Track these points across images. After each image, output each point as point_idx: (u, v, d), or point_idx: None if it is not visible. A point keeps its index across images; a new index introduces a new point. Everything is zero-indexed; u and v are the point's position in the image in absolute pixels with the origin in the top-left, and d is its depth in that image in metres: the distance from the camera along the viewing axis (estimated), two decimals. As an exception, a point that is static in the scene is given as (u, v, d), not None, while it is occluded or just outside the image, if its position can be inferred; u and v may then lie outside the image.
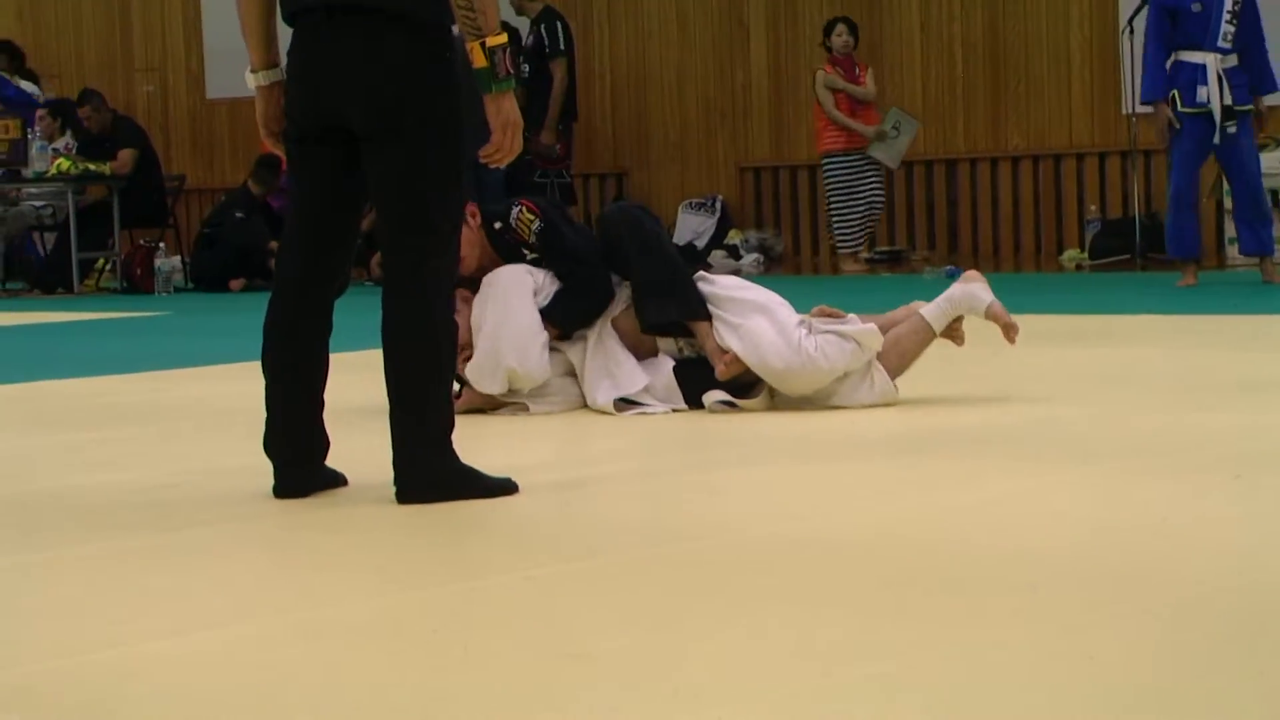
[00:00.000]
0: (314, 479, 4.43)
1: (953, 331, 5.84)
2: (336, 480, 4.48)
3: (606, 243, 5.97)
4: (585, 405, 5.89)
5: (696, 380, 5.78)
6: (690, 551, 3.69)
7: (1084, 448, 4.88)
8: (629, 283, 5.91)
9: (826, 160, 14.01)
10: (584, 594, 3.35)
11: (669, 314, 5.81)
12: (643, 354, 5.88)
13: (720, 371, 5.71)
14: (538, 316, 5.80)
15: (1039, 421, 5.39)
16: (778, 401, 5.78)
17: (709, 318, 5.79)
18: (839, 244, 14.09)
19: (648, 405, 5.75)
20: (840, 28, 14.16)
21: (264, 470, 4.42)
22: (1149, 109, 10.95)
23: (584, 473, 4.76)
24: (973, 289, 5.81)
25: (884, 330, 5.76)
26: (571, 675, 2.75)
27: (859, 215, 13.91)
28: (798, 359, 5.60)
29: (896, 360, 5.77)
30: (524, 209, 6.00)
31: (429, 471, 4.25)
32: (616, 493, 4.46)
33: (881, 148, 13.82)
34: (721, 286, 5.86)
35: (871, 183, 13.94)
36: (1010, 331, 5.79)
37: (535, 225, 5.92)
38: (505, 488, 4.32)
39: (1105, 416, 5.49)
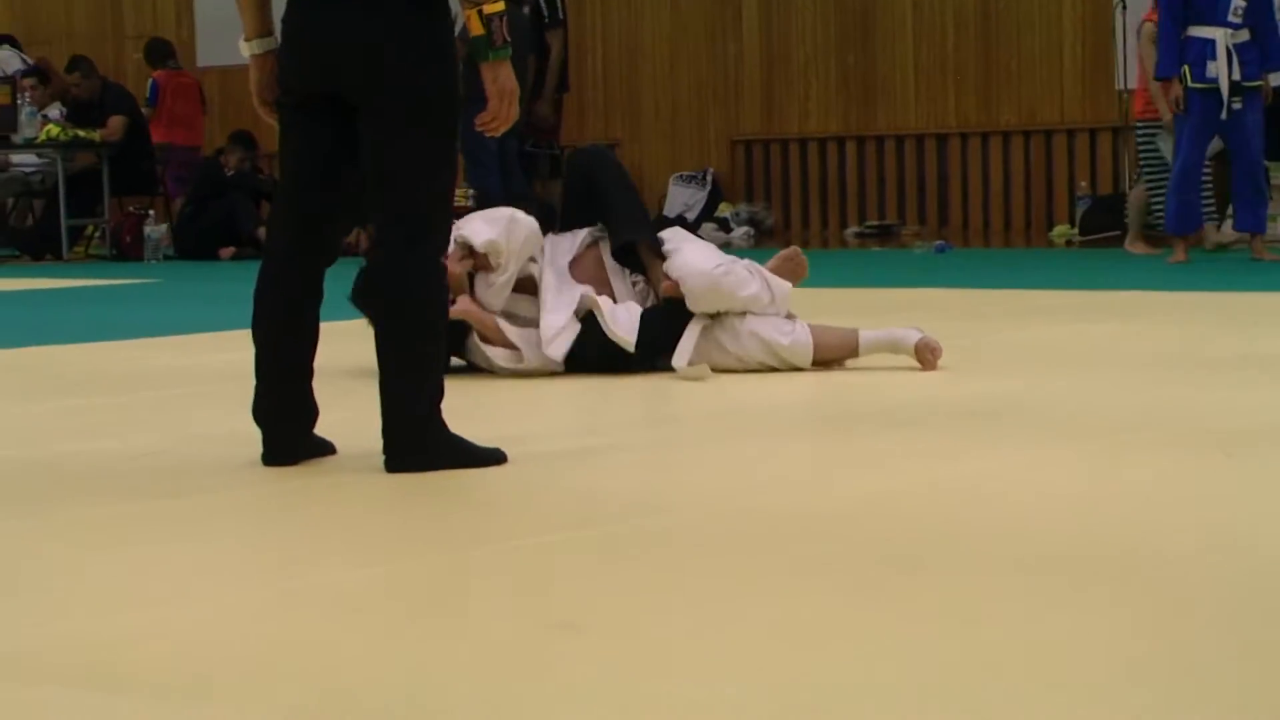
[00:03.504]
0: (302, 447, 4.43)
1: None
2: (325, 448, 4.47)
3: (582, 178, 6.38)
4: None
5: (657, 332, 6.01)
6: (677, 524, 3.69)
7: (1074, 424, 4.88)
8: (587, 231, 6.28)
9: (1145, 128, 11.72)
10: (572, 565, 3.35)
11: (643, 233, 6.27)
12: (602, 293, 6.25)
13: (665, 289, 6.06)
14: None
15: (1028, 397, 5.39)
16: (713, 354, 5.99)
17: (662, 256, 6.21)
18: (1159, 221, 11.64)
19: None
20: None
21: (253, 438, 4.41)
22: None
23: (573, 444, 4.76)
24: (907, 330, 6.06)
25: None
26: (559, 645, 2.75)
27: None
28: (708, 277, 6.01)
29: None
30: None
31: (418, 441, 4.24)
32: (605, 464, 4.46)
33: (1167, 138, 11.38)
34: (668, 234, 6.38)
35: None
36: (935, 354, 5.93)
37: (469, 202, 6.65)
38: (494, 458, 4.32)
39: (1095, 392, 5.49)
